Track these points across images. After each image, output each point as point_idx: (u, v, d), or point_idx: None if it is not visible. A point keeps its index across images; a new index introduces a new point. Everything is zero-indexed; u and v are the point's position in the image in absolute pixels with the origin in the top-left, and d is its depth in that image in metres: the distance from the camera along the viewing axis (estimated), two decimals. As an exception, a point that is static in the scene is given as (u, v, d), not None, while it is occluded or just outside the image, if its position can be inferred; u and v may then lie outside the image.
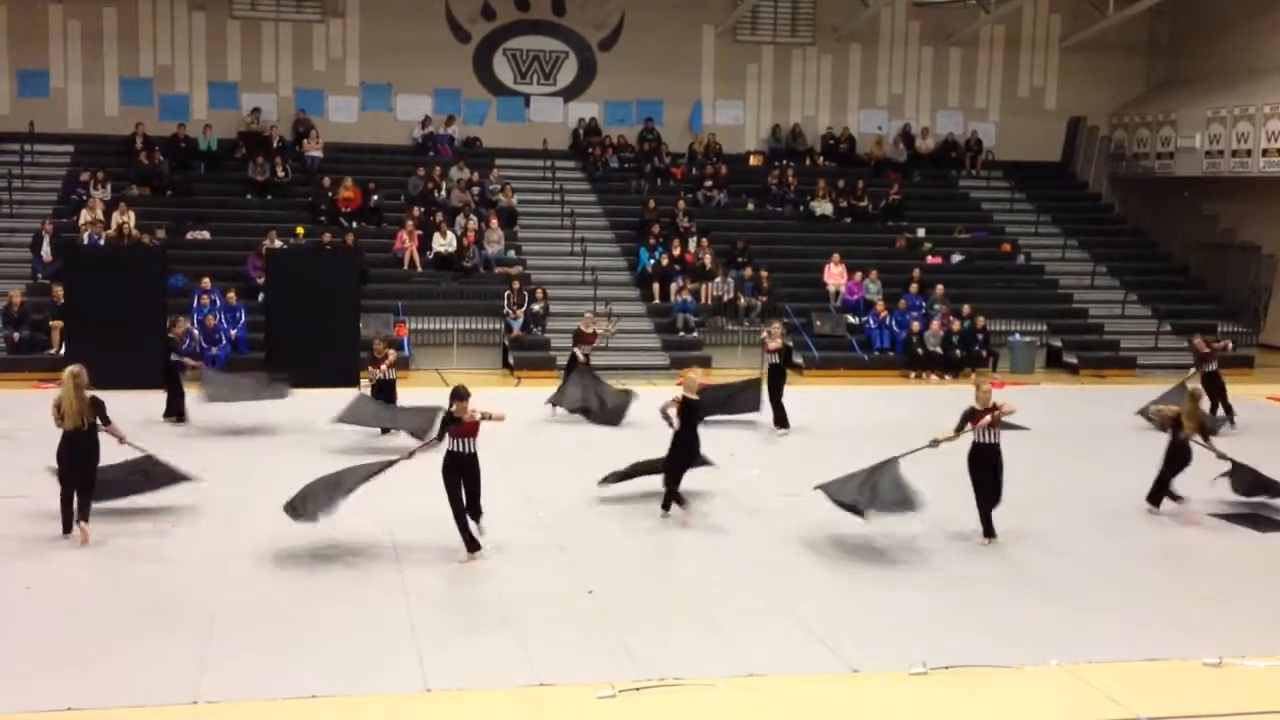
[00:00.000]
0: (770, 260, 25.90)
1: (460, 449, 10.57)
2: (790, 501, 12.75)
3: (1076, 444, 16.67)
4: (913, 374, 23.52)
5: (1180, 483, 12.95)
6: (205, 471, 12.76)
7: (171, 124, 27.30)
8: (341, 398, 15.75)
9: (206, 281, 22.08)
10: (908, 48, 31.40)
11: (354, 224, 25.46)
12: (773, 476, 13.25)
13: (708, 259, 25.45)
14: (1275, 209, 28.11)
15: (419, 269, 24.75)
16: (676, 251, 25.52)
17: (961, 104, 31.76)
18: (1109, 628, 9.48)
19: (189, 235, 24.79)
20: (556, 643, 8.87)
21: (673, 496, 12.34)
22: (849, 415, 18.63)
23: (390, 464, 11.14)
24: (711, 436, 13.79)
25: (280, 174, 26.72)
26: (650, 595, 10.02)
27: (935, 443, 11.71)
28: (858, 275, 25.65)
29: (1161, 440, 13.12)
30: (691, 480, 12.87)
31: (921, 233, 28.25)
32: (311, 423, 15.84)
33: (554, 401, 17.65)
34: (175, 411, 16.49)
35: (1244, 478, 13.07)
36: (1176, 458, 12.86)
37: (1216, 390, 17.91)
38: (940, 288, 25.11)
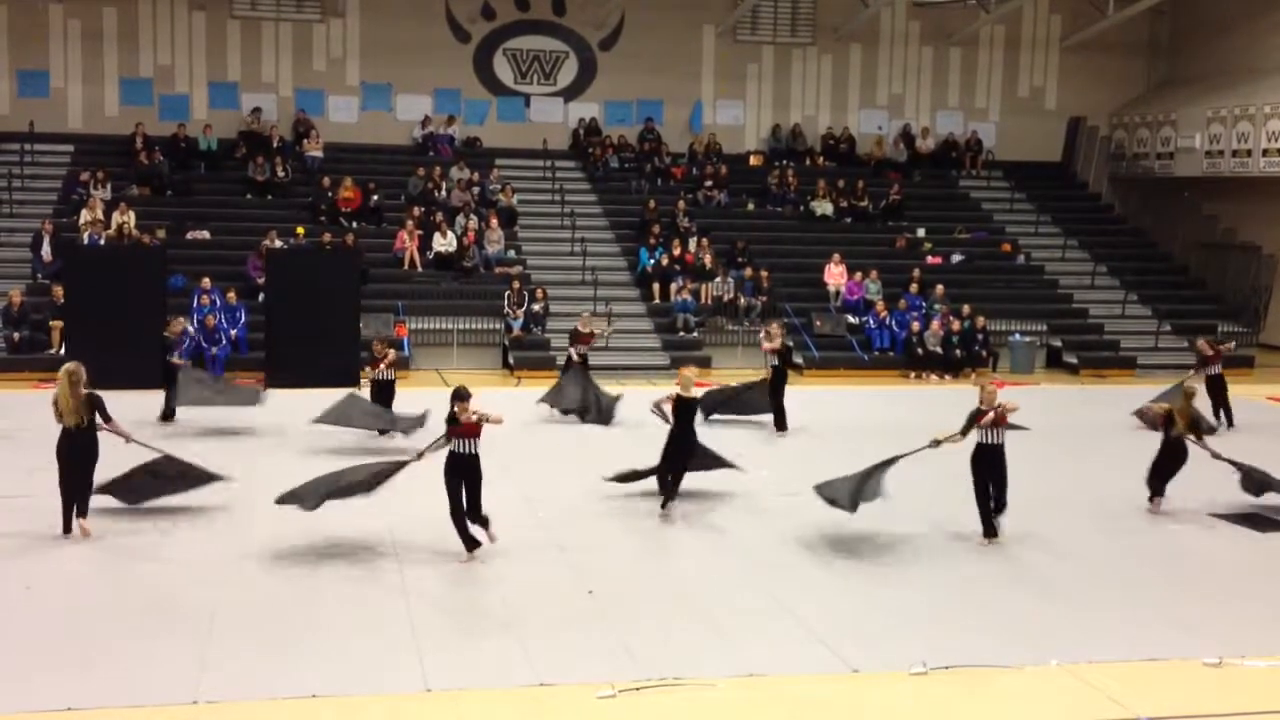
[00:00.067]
0: (770, 260, 25.90)
1: (462, 450, 10.57)
2: (790, 501, 12.75)
3: (1076, 444, 16.67)
4: (913, 374, 23.53)
5: (1180, 483, 12.96)
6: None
7: (171, 124, 27.31)
8: (332, 397, 15.71)
9: (206, 281, 22.08)
10: (908, 48, 31.40)
11: (354, 224, 25.46)
12: (773, 476, 13.24)
13: (708, 259, 25.45)
14: (1275, 209, 28.11)
15: (419, 269, 24.75)
16: (676, 251, 25.52)
17: (961, 104, 31.77)
18: (1109, 628, 9.48)
19: (189, 235, 24.79)
20: (556, 643, 8.87)
21: (672, 496, 12.36)
22: (849, 415, 18.63)
23: (402, 465, 11.12)
24: (714, 437, 13.83)
25: (280, 174, 26.72)
26: (650, 595, 10.01)
27: (936, 443, 11.71)
28: (858, 275, 25.66)
29: (1159, 440, 13.14)
30: (697, 480, 12.90)
31: (921, 233, 28.25)
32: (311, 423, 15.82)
33: (551, 402, 17.64)
34: (169, 411, 16.49)
35: (1253, 478, 13.02)
36: (1171, 456, 12.88)
37: (1219, 393, 17.92)
38: (940, 288, 25.11)
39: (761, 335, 18.41)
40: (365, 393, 16.30)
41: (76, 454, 11.19)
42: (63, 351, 19.47)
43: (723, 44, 30.47)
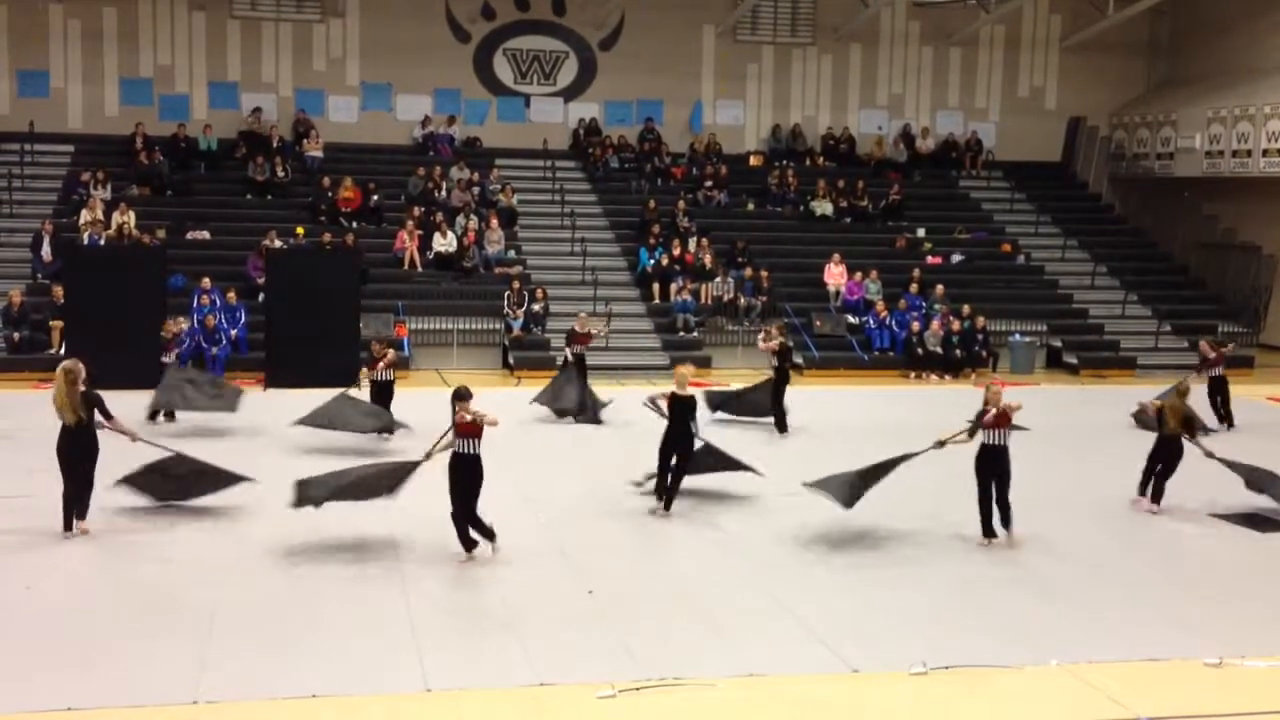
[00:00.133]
0: (770, 260, 25.91)
1: (463, 450, 10.56)
2: (790, 501, 12.75)
3: (1076, 444, 16.67)
4: (913, 374, 23.53)
5: (1180, 483, 12.97)
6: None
7: (171, 124, 27.32)
8: (324, 398, 15.71)
9: (206, 281, 22.08)
10: (908, 48, 31.41)
11: (354, 224, 25.47)
12: (773, 477, 13.23)
13: (708, 259, 25.45)
14: (1275, 209, 28.11)
15: (419, 269, 24.76)
16: (676, 251, 25.53)
17: (961, 104, 31.77)
18: (1109, 628, 9.48)
19: (189, 235, 24.79)
20: (556, 643, 8.87)
21: (673, 496, 12.37)
22: (849, 415, 18.64)
23: (414, 466, 11.08)
24: (715, 437, 13.79)
25: (280, 174, 26.72)
26: (650, 595, 10.01)
27: (941, 444, 11.70)
28: (858, 275, 25.66)
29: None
30: (698, 481, 12.91)
31: (921, 233, 28.26)
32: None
33: (545, 402, 17.65)
34: (168, 411, 16.46)
35: (1253, 480, 12.98)
36: (1164, 454, 12.90)
37: (1221, 394, 17.92)
38: (940, 288, 25.11)
39: (760, 336, 18.42)
40: (361, 393, 16.25)
41: (76, 452, 11.19)
42: (62, 351, 19.46)
43: (723, 44, 30.48)
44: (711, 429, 14.83)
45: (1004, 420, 11.30)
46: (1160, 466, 12.99)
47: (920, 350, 23.61)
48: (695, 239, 26.16)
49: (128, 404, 15.15)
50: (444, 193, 26.71)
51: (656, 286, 25.07)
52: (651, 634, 9.08)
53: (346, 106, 28.98)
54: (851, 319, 24.96)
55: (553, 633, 9.06)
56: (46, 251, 23.15)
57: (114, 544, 11.09)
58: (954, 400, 19.92)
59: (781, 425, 16.98)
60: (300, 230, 24.77)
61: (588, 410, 17.55)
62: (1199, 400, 17.29)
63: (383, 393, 15.95)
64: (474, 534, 10.69)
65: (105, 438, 11.51)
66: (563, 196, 27.70)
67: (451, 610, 9.61)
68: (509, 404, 17.41)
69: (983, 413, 11.41)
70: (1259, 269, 28.57)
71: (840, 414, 18.65)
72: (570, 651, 8.71)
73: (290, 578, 10.24)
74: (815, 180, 28.93)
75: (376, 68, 28.83)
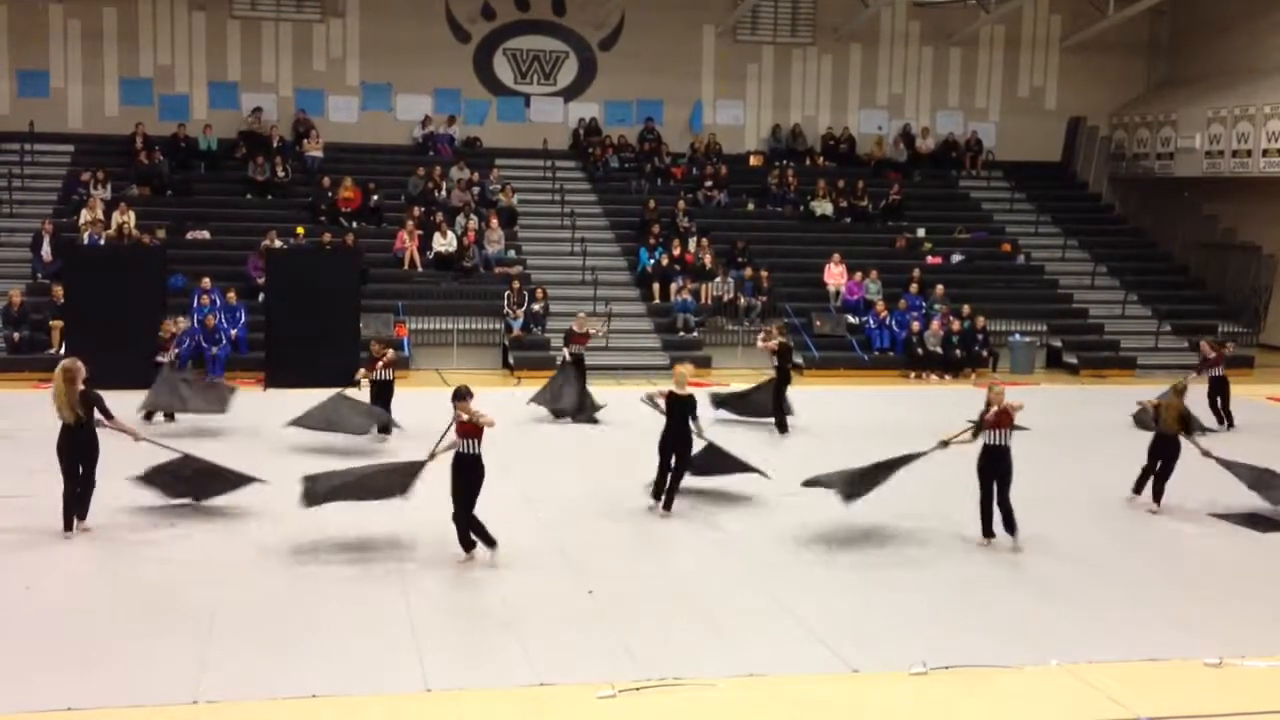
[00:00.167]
0: (770, 260, 25.91)
1: (464, 450, 10.53)
2: (790, 501, 12.75)
3: (1076, 444, 16.67)
4: (913, 374, 23.53)
5: (1180, 483, 12.97)
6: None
7: (171, 124, 27.31)
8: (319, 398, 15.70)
9: (206, 281, 22.08)
10: (908, 48, 31.41)
11: (354, 224, 25.46)
12: (773, 476, 13.22)
13: (708, 259, 25.46)
14: (1275, 209, 28.11)
15: (419, 269, 24.76)
16: (676, 251, 25.53)
17: (961, 104, 31.78)
18: (1109, 628, 9.49)
19: (189, 235, 24.79)
20: (556, 643, 8.87)
21: (673, 496, 12.37)
22: (849, 415, 18.63)
23: (421, 466, 11.00)
24: (720, 437, 13.76)
25: (280, 174, 26.72)
26: (650, 595, 10.01)
27: (945, 444, 11.69)
28: (858, 275, 25.66)
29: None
30: (699, 481, 12.91)
31: (921, 233, 28.26)
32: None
33: (541, 402, 17.66)
34: (167, 412, 16.44)
35: (1255, 480, 12.96)
36: (1163, 453, 12.91)
37: (1221, 395, 17.92)
38: (940, 288, 25.11)
39: (760, 336, 18.44)
40: (360, 393, 16.23)
41: (75, 451, 11.21)
42: (62, 351, 19.45)
43: (723, 44, 30.48)
44: (714, 429, 14.81)
45: (1005, 420, 11.26)
46: (1159, 466, 13.00)
47: (920, 350, 23.61)
48: (695, 239, 26.16)
49: (128, 404, 15.18)
50: (444, 193, 26.71)
51: (656, 286, 25.07)
52: (651, 634, 9.08)
53: (346, 106, 28.98)
54: (851, 319, 24.96)
55: (553, 633, 9.06)
56: (46, 251, 23.15)
57: (114, 544, 11.09)
58: (954, 400, 19.93)
59: (782, 425, 16.99)
60: (300, 230, 24.77)
61: (586, 410, 17.57)
62: (1199, 400, 17.37)
63: (382, 393, 15.94)
64: (474, 536, 10.68)
65: (107, 437, 11.52)
66: (563, 196, 27.70)
67: (451, 610, 9.61)
68: (508, 404, 17.44)
69: (985, 412, 11.39)
70: (1259, 269, 28.57)
71: (840, 414, 18.64)
72: (570, 651, 8.71)
73: (290, 578, 10.24)
74: (815, 180, 28.93)
75: (376, 68, 28.83)
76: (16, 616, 9.18)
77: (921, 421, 17.80)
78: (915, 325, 23.88)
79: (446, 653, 8.65)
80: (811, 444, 16.41)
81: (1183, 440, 12.86)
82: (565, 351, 18.57)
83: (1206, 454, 12.86)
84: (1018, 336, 24.65)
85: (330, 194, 25.93)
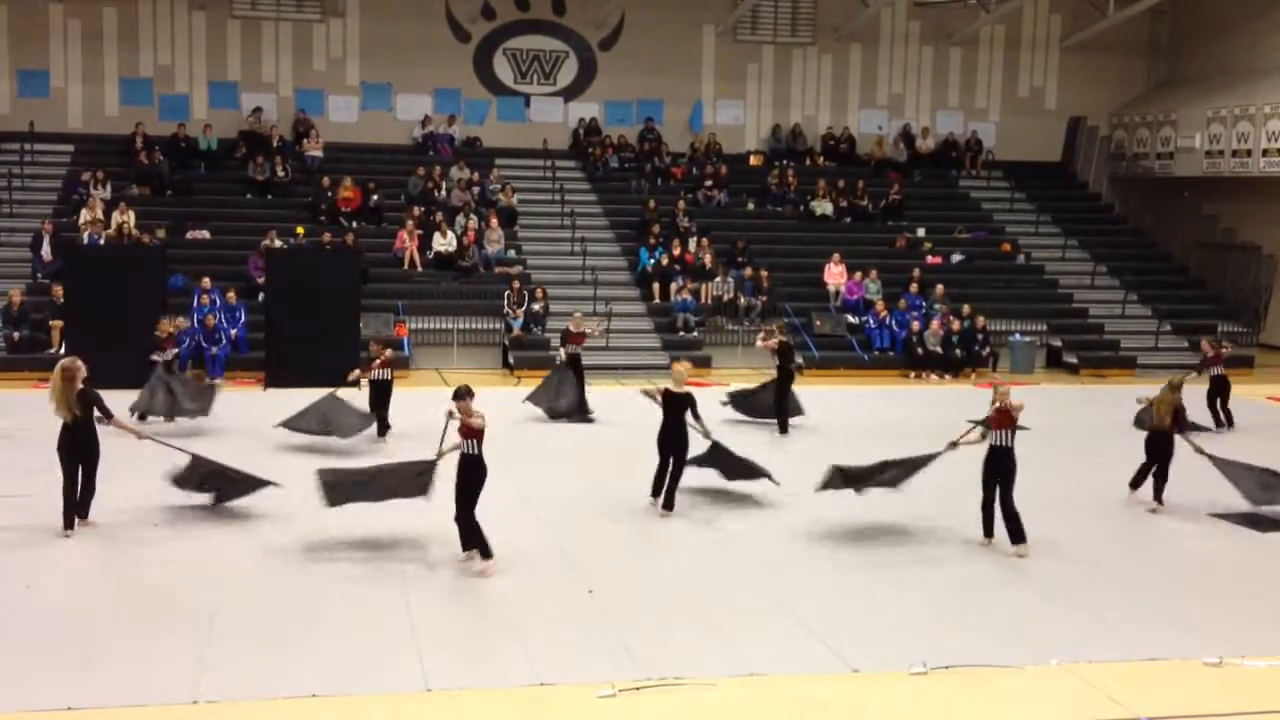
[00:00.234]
0: (770, 260, 25.91)
1: (466, 450, 10.47)
2: (791, 501, 12.76)
3: (1076, 444, 16.67)
4: (913, 374, 23.53)
5: (1180, 483, 12.96)
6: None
7: (171, 124, 27.32)
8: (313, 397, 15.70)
9: (206, 281, 22.10)
10: (908, 48, 31.41)
11: (354, 224, 25.47)
12: (781, 483, 13.17)
13: (708, 259, 25.46)
14: (1275, 209, 28.12)
15: (419, 269, 24.76)
16: (676, 251, 25.53)
17: (961, 104, 31.78)
18: (1109, 628, 9.49)
19: (189, 235, 24.79)
20: (556, 643, 8.87)
21: (673, 493, 12.38)
22: (849, 415, 18.63)
23: (433, 466, 10.92)
24: (723, 437, 13.73)
25: (280, 174, 26.72)
26: (650, 595, 10.01)
27: (954, 445, 11.66)
28: (858, 275, 25.66)
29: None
30: (699, 481, 12.91)
31: (921, 232, 28.26)
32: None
33: (536, 402, 17.65)
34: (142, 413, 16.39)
35: (1257, 481, 12.95)
36: (1157, 450, 12.94)
37: (1221, 394, 17.92)
38: (940, 287, 25.12)
39: (760, 335, 18.47)
40: (359, 394, 16.19)
41: (75, 450, 11.23)
42: (62, 351, 19.46)
43: (723, 44, 30.48)
44: (720, 428, 14.78)
45: (1005, 420, 11.21)
46: (1156, 465, 13.02)
47: (920, 350, 23.61)
48: (695, 239, 26.16)
49: (128, 403, 15.21)
50: (444, 192, 26.71)
51: (656, 286, 25.07)
52: (651, 634, 9.08)
53: (346, 106, 28.98)
54: (851, 319, 24.96)
55: (553, 633, 9.06)
56: (46, 251, 23.15)
57: (115, 543, 11.09)
58: (954, 400, 19.97)
59: (783, 425, 17.00)
60: (300, 230, 24.78)
61: (584, 410, 17.58)
62: (1199, 400, 17.37)
63: (380, 393, 15.90)
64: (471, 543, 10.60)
65: (108, 437, 11.53)
66: (563, 196, 27.70)
67: (451, 610, 9.61)
68: (508, 404, 17.43)
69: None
70: (1259, 269, 28.57)
71: (840, 414, 18.64)
72: (570, 651, 8.71)
73: (290, 578, 10.24)
74: (815, 180, 28.94)
75: (376, 68, 28.83)
76: (16, 616, 9.18)
77: (921, 421, 17.81)
78: (915, 325, 23.88)
79: (446, 653, 8.65)
80: (812, 444, 16.40)
81: (1177, 438, 12.87)
82: (562, 351, 18.57)
83: (1200, 451, 12.87)
84: (1018, 336, 24.66)
85: (330, 194, 25.93)
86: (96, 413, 11.31)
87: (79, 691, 7.78)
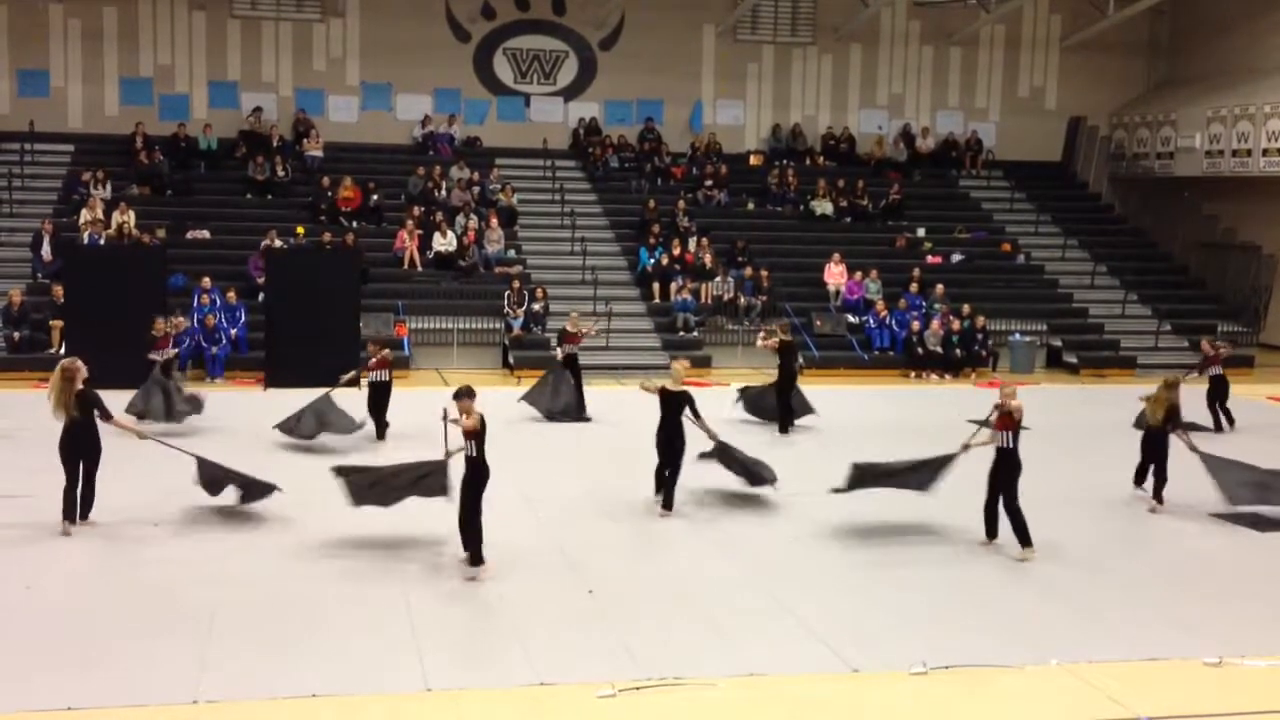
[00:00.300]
0: (770, 260, 25.91)
1: (466, 452, 10.44)
2: (791, 501, 12.77)
3: (1076, 444, 16.67)
4: (913, 374, 23.53)
5: (1180, 483, 12.96)
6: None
7: (171, 123, 27.33)
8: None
9: (207, 281, 22.11)
10: (908, 47, 31.41)
11: (354, 223, 25.47)
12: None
13: (708, 258, 25.46)
14: (1275, 209, 28.12)
15: (419, 269, 24.76)
16: (676, 251, 25.53)
17: (961, 104, 31.78)
18: (1109, 628, 9.49)
19: (189, 235, 24.79)
20: (556, 643, 8.87)
21: (671, 492, 12.39)
22: (849, 415, 18.63)
23: (443, 468, 10.83)
24: (725, 436, 13.72)
25: (280, 173, 26.73)
26: (650, 595, 10.01)
27: (966, 448, 11.63)
28: (858, 275, 25.66)
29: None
30: (699, 480, 12.91)
31: (921, 232, 28.26)
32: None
33: (530, 401, 17.65)
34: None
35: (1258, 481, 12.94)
36: (1152, 449, 12.96)
37: (1220, 394, 17.92)
38: (940, 287, 25.12)
39: (760, 335, 18.48)
40: (354, 394, 16.15)
41: (75, 449, 11.27)
42: (62, 351, 19.46)
43: (723, 44, 30.48)
44: (722, 428, 14.75)
45: (1005, 422, 11.18)
46: (1153, 465, 13.03)
47: (920, 350, 23.61)
48: (695, 238, 26.16)
49: (126, 403, 15.19)
50: (444, 192, 26.72)
51: (656, 286, 25.07)
52: (651, 634, 9.08)
53: (346, 106, 28.99)
54: (851, 319, 24.97)
55: (553, 633, 9.06)
56: (46, 251, 23.15)
57: (115, 543, 11.09)
58: (954, 400, 19.98)
59: (783, 425, 17.00)
60: (300, 230, 24.78)
61: (570, 412, 17.60)
62: (1199, 401, 17.37)
63: (378, 395, 15.87)
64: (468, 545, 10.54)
65: (110, 437, 11.53)
66: (563, 196, 27.70)
67: (451, 610, 9.61)
68: (506, 404, 17.42)
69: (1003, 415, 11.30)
70: (1259, 269, 28.58)
71: (840, 414, 18.62)
72: (570, 651, 8.71)
73: (290, 578, 10.24)
74: (815, 180, 28.94)
75: (376, 67, 28.83)
76: (16, 616, 9.18)
77: (921, 421, 17.82)
78: (915, 325, 23.88)
79: (446, 653, 8.65)
80: (812, 444, 16.42)
81: (1172, 436, 12.89)
82: (558, 351, 18.56)
83: (1193, 448, 12.87)
84: (1018, 336, 24.66)
85: (330, 194, 25.93)
86: (97, 413, 11.31)
87: (79, 691, 7.78)
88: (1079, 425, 18.15)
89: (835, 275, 25.69)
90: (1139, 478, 13.40)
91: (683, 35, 30.08)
